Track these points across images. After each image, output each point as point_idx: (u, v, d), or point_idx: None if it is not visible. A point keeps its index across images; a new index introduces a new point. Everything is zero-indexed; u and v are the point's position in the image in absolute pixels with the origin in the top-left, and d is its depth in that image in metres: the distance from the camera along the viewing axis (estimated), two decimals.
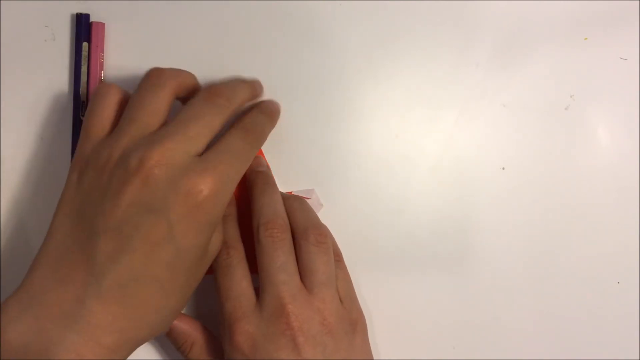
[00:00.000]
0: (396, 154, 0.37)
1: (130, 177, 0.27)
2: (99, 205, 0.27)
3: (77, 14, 0.35)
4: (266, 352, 0.29)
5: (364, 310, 0.34)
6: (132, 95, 0.30)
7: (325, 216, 0.36)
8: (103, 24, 0.35)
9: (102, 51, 0.35)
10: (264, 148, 0.36)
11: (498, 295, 0.37)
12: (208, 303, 0.36)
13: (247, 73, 0.36)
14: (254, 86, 0.33)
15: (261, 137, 0.32)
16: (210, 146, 0.29)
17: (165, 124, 0.29)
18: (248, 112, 0.32)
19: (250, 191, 0.34)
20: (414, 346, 0.37)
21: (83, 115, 0.35)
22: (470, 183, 0.37)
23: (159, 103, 0.29)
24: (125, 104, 0.30)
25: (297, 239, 0.32)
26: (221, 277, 0.32)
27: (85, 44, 0.35)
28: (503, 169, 0.37)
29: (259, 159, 0.36)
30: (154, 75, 0.30)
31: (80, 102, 0.35)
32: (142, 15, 0.35)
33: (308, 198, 0.36)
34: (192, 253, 0.28)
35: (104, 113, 0.30)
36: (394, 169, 0.37)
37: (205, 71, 0.35)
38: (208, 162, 0.28)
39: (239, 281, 0.31)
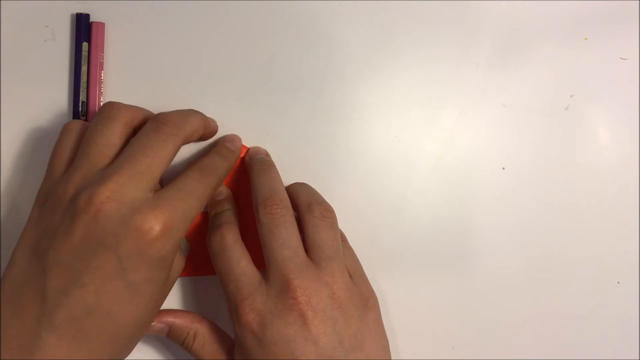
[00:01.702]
0: (396, 153, 0.37)
1: (81, 213, 0.27)
2: (52, 240, 0.28)
3: (77, 14, 0.35)
4: (275, 329, 0.29)
5: None
6: (87, 129, 0.30)
7: None
8: (103, 24, 0.35)
9: (102, 51, 0.35)
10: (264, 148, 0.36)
11: (498, 295, 0.37)
12: (209, 302, 0.36)
13: (247, 73, 0.36)
14: (205, 118, 0.33)
15: (217, 179, 0.31)
16: (165, 185, 0.29)
17: (116, 157, 0.29)
18: (206, 154, 0.32)
19: (249, 177, 0.34)
20: (414, 346, 0.37)
21: (83, 116, 0.35)
22: (470, 183, 0.37)
23: (110, 136, 0.29)
24: None
25: (302, 214, 0.32)
26: (219, 261, 0.31)
27: (85, 44, 0.35)
28: (503, 169, 0.37)
29: (257, 148, 0.36)
30: (106, 108, 0.30)
31: (79, 102, 0.35)
32: (142, 15, 0.35)
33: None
34: (145, 287, 0.28)
35: (65, 149, 0.31)
36: (394, 169, 0.37)
37: (205, 71, 0.36)
38: (161, 199, 0.28)
39: (237, 261, 0.31)
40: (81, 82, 0.35)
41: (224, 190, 0.35)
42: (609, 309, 0.37)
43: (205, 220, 0.35)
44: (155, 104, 0.35)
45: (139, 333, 0.30)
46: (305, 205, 0.32)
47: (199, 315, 0.33)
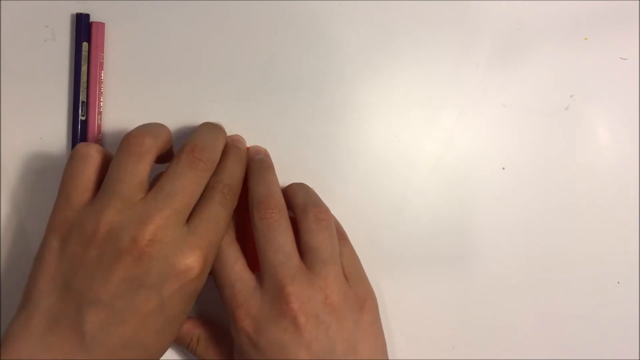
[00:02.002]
0: (396, 153, 0.37)
1: (123, 255, 0.27)
2: (88, 278, 0.27)
3: (77, 14, 0.35)
4: (270, 334, 0.30)
5: None
6: (113, 162, 0.29)
7: None
8: (103, 24, 0.35)
9: (102, 51, 0.35)
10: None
11: (498, 295, 0.37)
12: (209, 302, 0.36)
13: (247, 73, 0.36)
14: (225, 133, 0.34)
15: (238, 193, 0.32)
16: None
17: (149, 191, 0.29)
18: (224, 164, 0.32)
19: (247, 177, 0.34)
20: (414, 346, 0.37)
21: (83, 116, 0.35)
22: (470, 183, 0.37)
23: (142, 174, 0.29)
24: (106, 165, 0.30)
25: (297, 217, 0.32)
26: (215, 264, 0.31)
27: (85, 44, 0.35)
28: (503, 169, 0.37)
29: (257, 147, 0.36)
30: (136, 144, 0.29)
31: (79, 102, 0.35)
32: (142, 15, 0.35)
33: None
34: (178, 319, 0.30)
35: (84, 177, 0.30)
36: (394, 169, 0.37)
37: (205, 71, 0.36)
38: (197, 236, 0.29)
39: (231, 266, 0.31)
40: (81, 82, 0.35)
41: None
42: (609, 309, 0.37)
43: None
44: (156, 104, 0.35)
45: (161, 355, 0.30)
46: (300, 207, 0.32)
47: (201, 319, 0.34)
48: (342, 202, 0.36)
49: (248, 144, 0.36)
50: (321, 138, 0.36)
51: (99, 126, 0.35)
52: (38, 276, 0.28)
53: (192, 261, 0.28)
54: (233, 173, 0.32)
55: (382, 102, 0.36)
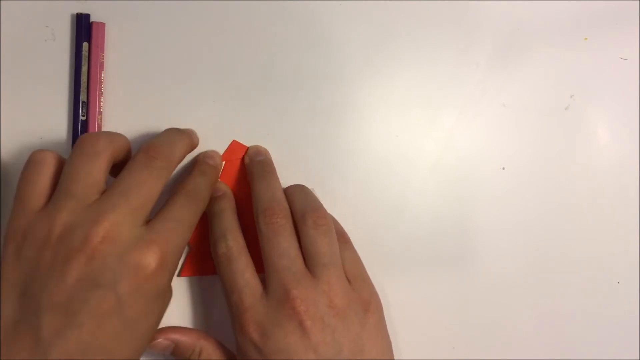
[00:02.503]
0: (396, 153, 0.37)
1: (76, 254, 0.27)
2: (43, 282, 0.27)
3: (77, 14, 0.35)
4: (276, 339, 0.30)
5: None
6: (66, 164, 0.29)
7: None
8: (103, 24, 0.35)
9: (103, 51, 0.35)
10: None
11: (498, 295, 0.37)
12: (209, 302, 0.36)
13: (247, 73, 0.36)
14: (191, 138, 0.33)
15: (203, 201, 0.32)
16: (153, 212, 0.29)
17: (104, 192, 0.29)
18: (189, 175, 0.32)
19: (249, 180, 0.34)
20: (414, 346, 0.37)
21: (83, 116, 0.35)
22: (470, 183, 0.37)
23: (96, 174, 0.29)
24: (59, 170, 0.30)
25: (297, 224, 0.32)
26: (223, 271, 0.32)
27: (85, 44, 0.35)
28: (503, 169, 0.37)
29: (257, 147, 0.35)
30: (88, 144, 0.29)
31: (79, 102, 0.35)
32: (142, 15, 0.35)
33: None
34: (141, 322, 0.28)
35: (39, 183, 0.29)
36: (394, 169, 0.37)
37: (205, 71, 0.36)
38: (154, 233, 0.28)
39: (241, 273, 0.31)
40: (81, 82, 0.35)
41: (221, 187, 0.35)
42: (609, 309, 0.37)
43: (202, 221, 0.35)
44: (156, 104, 0.35)
45: None
46: (299, 214, 0.32)
47: (203, 332, 0.34)
48: (342, 202, 0.36)
49: (248, 144, 0.36)
50: (321, 138, 0.36)
51: (99, 126, 0.35)
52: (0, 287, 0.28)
53: (146, 257, 0.27)
54: (195, 181, 0.32)
55: (382, 102, 0.36)
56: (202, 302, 0.36)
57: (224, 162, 0.35)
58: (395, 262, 0.37)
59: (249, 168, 0.35)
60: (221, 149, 0.35)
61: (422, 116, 0.37)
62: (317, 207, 0.33)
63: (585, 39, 0.37)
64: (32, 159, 0.30)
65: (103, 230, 0.27)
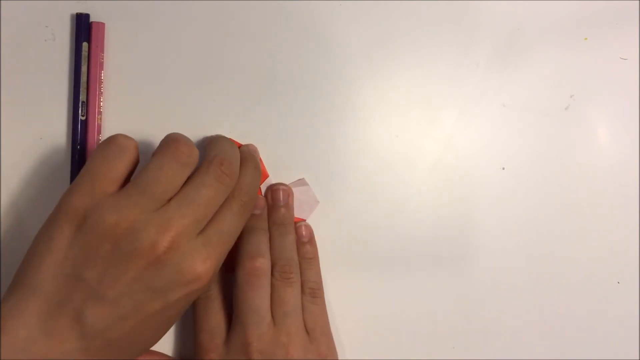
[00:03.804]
0: (396, 153, 0.37)
1: (139, 257, 0.27)
2: (99, 272, 0.27)
3: (77, 14, 0.35)
4: None
5: (364, 310, 0.35)
6: (155, 161, 0.29)
7: (324, 216, 0.36)
8: (103, 24, 0.35)
9: (102, 51, 0.35)
10: (262, 149, 0.36)
11: (498, 295, 0.37)
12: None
13: (247, 73, 0.36)
14: (258, 161, 0.34)
15: (254, 202, 0.33)
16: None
17: (175, 196, 0.29)
18: (243, 174, 0.32)
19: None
20: (414, 346, 0.37)
21: (83, 116, 0.35)
22: (470, 183, 0.37)
23: (180, 183, 0.29)
24: (136, 163, 0.30)
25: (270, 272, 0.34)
26: (198, 310, 0.33)
27: (85, 44, 0.35)
28: (503, 169, 0.37)
29: (257, 200, 0.35)
30: (184, 153, 0.29)
31: (79, 102, 0.35)
32: (142, 15, 0.35)
33: (304, 185, 0.36)
34: (176, 318, 0.30)
35: (117, 169, 0.29)
36: (394, 169, 0.37)
37: (205, 71, 0.36)
38: (210, 247, 0.29)
39: (215, 314, 0.33)
40: (81, 82, 0.35)
41: None
42: (609, 309, 0.37)
43: None
44: (156, 104, 0.35)
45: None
46: (272, 262, 0.34)
47: (170, 357, 0.35)
48: (342, 202, 0.36)
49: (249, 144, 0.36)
50: (321, 138, 0.36)
51: (99, 126, 0.35)
52: (44, 257, 0.28)
53: (201, 272, 0.28)
54: (252, 183, 0.32)
55: (382, 102, 0.36)
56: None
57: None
58: (395, 262, 0.37)
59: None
60: None
61: (422, 116, 0.37)
62: (287, 259, 0.34)
63: (585, 39, 0.37)
64: (116, 142, 0.29)
65: (168, 240, 0.27)
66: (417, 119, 0.37)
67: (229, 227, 0.30)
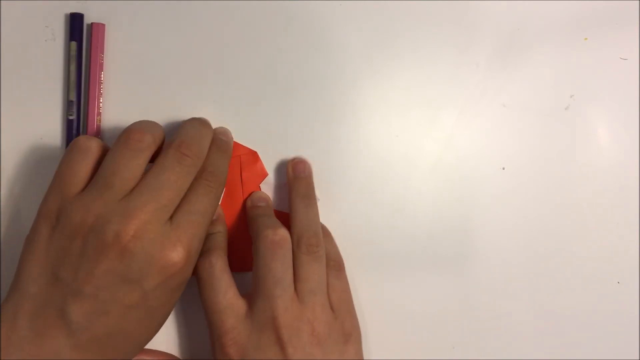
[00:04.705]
0: (396, 153, 0.37)
1: (106, 249, 0.28)
2: (73, 269, 0.28)
3: (71, 13, 0.35)
4: None
5: (364, 310, 0.34)
6: (109, 154, 0.30)
7: (324, 216, 0.36)
8: (103, 25, 0.35)
9: (102, 52, 0.35)
10: (262, 149, 0.36)
11: (498, 295, 0.37)
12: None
13: (247, 73, 0.36)
14: (212, 131, 0.34)
15: (223, 182, 0.32)
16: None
17: (138, 186, 0.29)
18: (208, 156, 0.32)
19: (248, 223, 0.35)
20: (414, 346, 0.37)
21: (71, 115, 0.34)
22: (470, 183, 0.37)
23: (137, 170, 0.29)
24: (102, 160, 0.30)
25: (293, 245, 0.33)
26: (206, 290, 0.32)
27: (73, 43, 0.34)
28: (503, 169, 0.37)
29: (260, 195, 0.36)
30: (135, 139, 0.30)
31: (80, 102, 0.35)
32: (142, 15, 0.35)
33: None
34: (163, 310, 0.30)
35: (81, 169, 0.30)
36: (394, 169, 0.37)
37: (205, 71, 0.36)
38: (179, 230, 0.29)
39: (224, 293, 0.32)
40: (82, 82, 0.35)
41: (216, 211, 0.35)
42: (609, 309, 0.37)
43: None
44: (155, 104, 0.35)
45: (147, 342, 0.31)
46: (295, 237, 0.33)
47: (171, 355, 0.35)
48: (342, 202, 0.36)
49: (249, 145, 0.36)
50: (321, 138, 0.36)
51: (99, 126, 0.35)
52: (28, 261, 0.29)
53: (173, 257, 0.28)
54: (216, 162, 0.32)
55: (382, 102, 0.36)
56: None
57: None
58: (395, 262, 0.37)
59: (249, 210, 0.35)
60: None
61: (422, 116, 0.37)
62: (314, 232, 0.33)
63: (585, 39, 0.37)
64: (78, 145, 0.30)
65: (133, 228, 0.28)
66: (417, 119, 0.37)
67: (197, 208, 0.30)
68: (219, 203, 0.32)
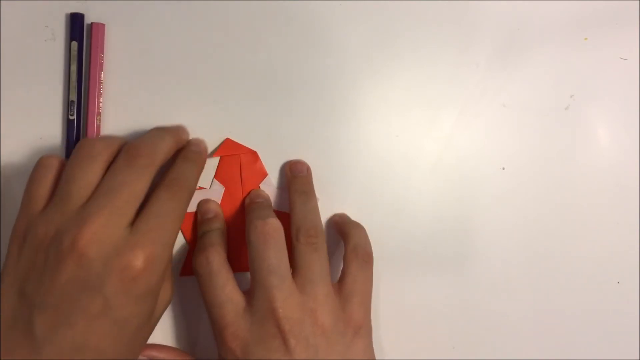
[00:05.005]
0: (396, 153, 0.37)
1: (65, 257, 0.27)
2: (37, 282, 0.28)
3: (71, 13, 0.35)
4: (259, 354, 0.30)
5: None
6: (66, 166, 0.30)
7: (324, 216, 0.36)
8: (103, 25, 0.35)
9: (102, 52, 0.35)
10: (262, 149, 0.36)
11: (498, 295, 0.37)
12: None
13: (247, 73, 0.36)
14: (177, 134, 0.33)
15: (189, 189, 0.32)
16: (140, 208, 0.30)
17: (93, 193, 0.29)
18: (173, 163, 0.32)
19: (246, 216, 0.34)
20: (414, 346, 0.37)
21: (72, 115, 0.35)
22: (470, 183, 0.37)
23: (91, 176, 0.29)
24: None
25: (291, 238, 0.33)
26: (204, 285, 0.32)
27: (74, 43, 0.34)
28: (503, 169, 0.37)
29: (257, 192, 0.35)
30: (87, 147, 0.30)
31: (80, 102, 0.35)
32: (142, 15, 0.35)
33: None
34: (131, 322, 0.29)
35: (41, 187, 0.30)
36: (394, 169, 0.37)
37: (205, 72, 0.36)
38: (139, 234, 0.28)
39: (222, 287, 0.31)
40: (82, 82, 0.35)
41: (213, 208, 0.35)
42: (609, 309, 0.37)
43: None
44: (156, 105, 0.35)
45: None
46: (294, 229, 0.33)
47: (183, 352, 0.35)
48: (342, 202, 0.36)
49: (249, 145, 0.36)
50: (321, 138, 0.36)
51: (99, 127, 0.35)
52: (2, 282, 0.29)
53: (131, 259, 0.28)
54: (181, 169, 0.32)
55: (382, 102, 0.36)
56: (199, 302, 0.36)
57: (220, 156, 0.35)
58: (395, 262, 0.37)
59: (248, 208, 0.35)
60: None
61: (422, 116, 0.37)
62: (312, 223, 0.33)
63: (585, 39, 0.37)
64: (39, 164, 0.31)
65: (89, 233, 0.27)
66: (417, 119, 0.37)
67: (157, 211, 0.29)
68: (187, 210, 0.32)
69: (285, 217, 0.35)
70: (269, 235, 0.31)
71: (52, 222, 0.28)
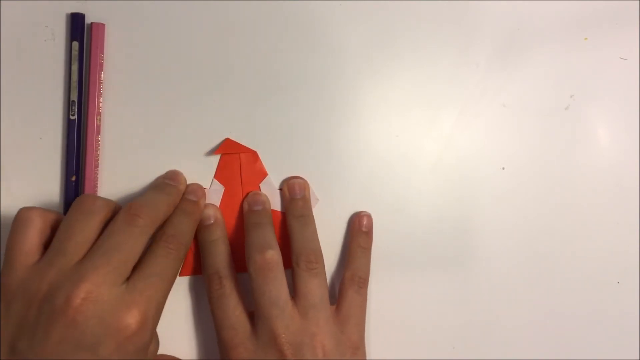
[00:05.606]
0: (396, 153, 0.37)
1: (58, 316, 0.27)
2: (29, 339, 0.27)
3: (71, 13, 0.35)
4: None
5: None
6: (63, 221, 0.30)
7: (325, 216, 0.36)
8: (103, 25, 0.35)
9: (102, 52, 0.35)
10: (262, 149, 0.36)
11: (498, 295, 0.37)
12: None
13: (247, 73, 0.36)
14: (177, 193, 0.34)
15: (185, 245, 0.32)
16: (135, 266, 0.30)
17: (89, 251, 0.29)
18: (169, 217, 0.32)
19: (245, 227, 0.35)
20: (414, 346, 0.37)
21: (73, 115, 0.34)
22: (470, 183, 0.37)
23: (89, 232, 0.29)
24: (49, 226, 0.30)
25: (292, 263, 0.33)
26: (216, 308, 0.33)
27: (75, 43, 0.34)
28: (503, 169, 0.37)
29: (256, 197, 0.35)
30: (87, 203, 0.30)
31: (81, 101, 0.35)
32: (142, 15, 0.35)
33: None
34: None
35: (27, 241, 0.30)
36: (394, 169, 0.37)
37: (205, 72, 0.36)
38: (135, 293, 0.29)
39: (232, 310, 0.33)
40: (71, 81, 0.35)
41: (212, 213, 0.35)
42: (609, 309, 0.37)
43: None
44: (155, 105, 0.35)
45: None
46: (294, 255, 0.33)
47: None
48: (342, 202, 0.36)
49: (248, 145, 0.36)
50: (321, 138, 0.36)
51: (99, 127, 0.35)
52: None
53: (127, 319, 0.28)
54: (177, 224, 0.32)
55: (382, 102, 0.36)
56: (200, 301, 0.36)
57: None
58: (395, 262, 0.37)
59: (246, 215, 0.35)
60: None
61: (422, 116, 0.37)
62: (311, 249, 0.34)
63: (585, 39, 0.37)
64: (19, 217, 0.30)
65: (84, 292, 0.27)
66: (417, 119, 0.37)
67: (154, 270, 0.30)
68: (182, 265, 0.32)
69: (284, 217, 0.35)
70: (268, 270, 0.32)
71: (45, 277, 0.28)
